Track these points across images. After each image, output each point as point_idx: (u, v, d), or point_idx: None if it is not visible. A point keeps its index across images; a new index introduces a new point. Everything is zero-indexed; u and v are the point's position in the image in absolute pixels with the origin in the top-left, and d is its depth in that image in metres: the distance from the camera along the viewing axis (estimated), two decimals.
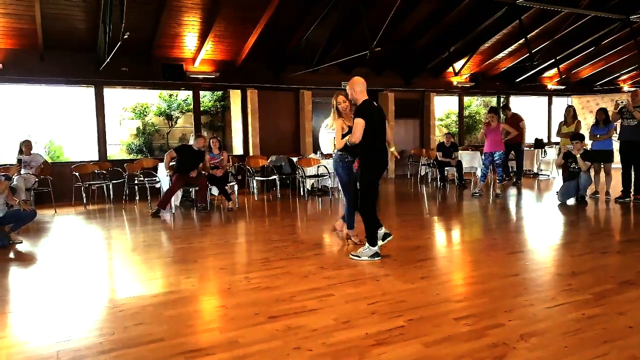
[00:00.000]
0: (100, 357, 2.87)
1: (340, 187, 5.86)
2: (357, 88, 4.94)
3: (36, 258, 5.52)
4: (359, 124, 4.73)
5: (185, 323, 3.39)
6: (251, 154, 11.03)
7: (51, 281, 4.50)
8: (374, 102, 5.03)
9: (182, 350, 2.93)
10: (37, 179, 8.31)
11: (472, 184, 10.64)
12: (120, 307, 3.71)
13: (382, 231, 5.08)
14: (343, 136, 5.18)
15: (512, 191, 9.97)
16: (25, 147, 8.43)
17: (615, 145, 8.66)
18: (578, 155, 7.99)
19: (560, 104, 15.74)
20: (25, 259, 5.49)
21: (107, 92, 10.08)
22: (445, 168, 10.83)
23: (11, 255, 5.58)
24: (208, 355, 2.86)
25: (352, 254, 4.99)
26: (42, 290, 4.21)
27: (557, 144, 11.90)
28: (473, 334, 3.06)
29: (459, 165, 10.73)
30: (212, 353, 2.88)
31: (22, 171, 8.07)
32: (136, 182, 9.28)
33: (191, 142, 8.29)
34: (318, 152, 11.23)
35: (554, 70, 14.38)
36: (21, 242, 6.04)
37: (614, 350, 2.82)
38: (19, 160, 7.47)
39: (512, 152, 10.85)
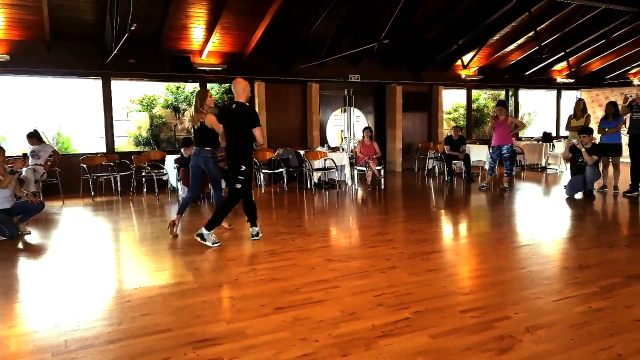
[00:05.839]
0: (108, 347, 2.90)
1: (215, 184, 5.82)
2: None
3: (45, 249, 5.57)
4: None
5: (193, 314, 3.41)
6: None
7: (60, 272, 4.54)
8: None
9: (190, 340, 2.95)
10: (45, 171, 8.37)
11: (480, 177, 10.59)
12: (128, 298, 3.74)
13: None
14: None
15: (519, 185, 9.93)
16: (33, 139, 8.47)
17: (625, 139, 8.59)
18: (583, 150, 7.92)
19: (570, 97, 15.63)
20: (34, 250, 5.54)
21: (115, 84, 10.10)
22: (453, 161, 10.79)
23: (20, 246, 5.64)
24: (216, 345, 2.88)
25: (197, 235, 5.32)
26: (51, 280, 4.25)
27: (565, 137, 11.81)
28: (480, 327, 3.06)
29: (466, 158, 10.69)
30: (219, 343, 2.90)
31: (31, 161, 8.12)
32: (143, 174, 9.32)
33: None
34: (325, 145, 11.22)
35: (564, 64, 14.25)
36: (30, 233, 6.10)
37: (620, 343, 2.82)
38: (24, 155, 7.51)
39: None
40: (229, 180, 5.50)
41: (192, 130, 5.73)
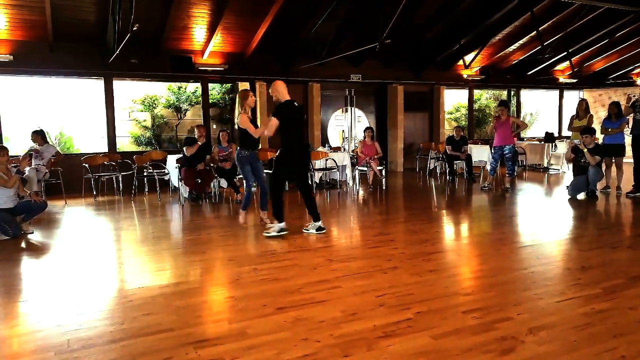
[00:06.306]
0: (110, 346, 2.90)
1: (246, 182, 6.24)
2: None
3: (47, 248, 5.58)
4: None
5: (194, 313, 3.41)
6: (259, 147, 11.02)
7: (62, 271, 4.55)
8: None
9: (191, 340, 2.95)
10: (47, 170, 8.39)
11: (481, 177, 10.58)
12: (129, 298, 3.74)
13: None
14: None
15: (521, 185, 9.91)
16: (38, 137, 8.49)
17: (628, 140, 8.56)
18: (585, 150, 7.90)
19: (572, 97, 15.59)
20: (36, 249, 5.55)
21: (116, 84, 10.12)
22: (455, 162, 10.78)
23: (23, 245, 5.65)
24: (216, 345, 2.88)
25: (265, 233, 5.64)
26: (53, 279, 4.25)
27: (568, 138, 11.79)
28: (481, 327, 3.05)
29: (468, 159, 10.67)
30: (220, 343, 2.90)
31: (34, 162, 8.14)
32: (145, 174, 9.33)
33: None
34: (326, 145, 11.21)
35: (566, 64, 14.20)
36: (32, 233, 6.11)
37: (623, 344, 2.80)
38: (30, 155, 7.53)
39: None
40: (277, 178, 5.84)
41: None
